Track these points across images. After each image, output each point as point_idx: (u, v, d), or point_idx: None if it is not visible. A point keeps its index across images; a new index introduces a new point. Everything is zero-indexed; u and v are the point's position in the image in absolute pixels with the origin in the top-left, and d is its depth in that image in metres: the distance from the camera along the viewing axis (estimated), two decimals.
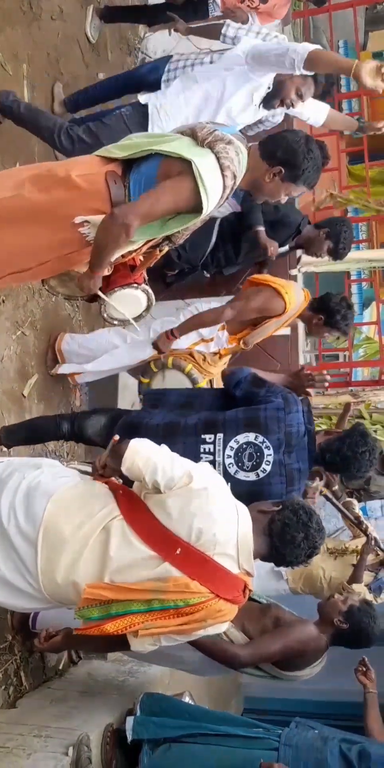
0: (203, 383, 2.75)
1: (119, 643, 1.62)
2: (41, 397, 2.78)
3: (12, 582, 1.58)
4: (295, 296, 2.67)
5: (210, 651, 2.05)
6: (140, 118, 2.47)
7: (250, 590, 1.60)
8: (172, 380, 2.68)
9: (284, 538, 1.56)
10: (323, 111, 2.98)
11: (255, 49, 2.43)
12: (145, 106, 2.48)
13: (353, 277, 5.03)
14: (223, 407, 2.24)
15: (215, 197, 1.64)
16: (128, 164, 1.72)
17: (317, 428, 4.25)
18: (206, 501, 1.50)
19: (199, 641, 1.92)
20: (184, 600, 1.47)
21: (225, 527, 1.51)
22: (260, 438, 2.08)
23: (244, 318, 2.70)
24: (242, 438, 2.09)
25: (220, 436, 2.11)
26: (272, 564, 3.15)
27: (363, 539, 3.31)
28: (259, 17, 2.92)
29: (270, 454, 2.08)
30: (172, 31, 3.15)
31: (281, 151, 1.78)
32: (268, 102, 2.61)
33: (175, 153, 1.62)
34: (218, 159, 1.62)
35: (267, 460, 2.08)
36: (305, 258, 3.72)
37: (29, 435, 2.41)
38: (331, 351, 5.02)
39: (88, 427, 2.28)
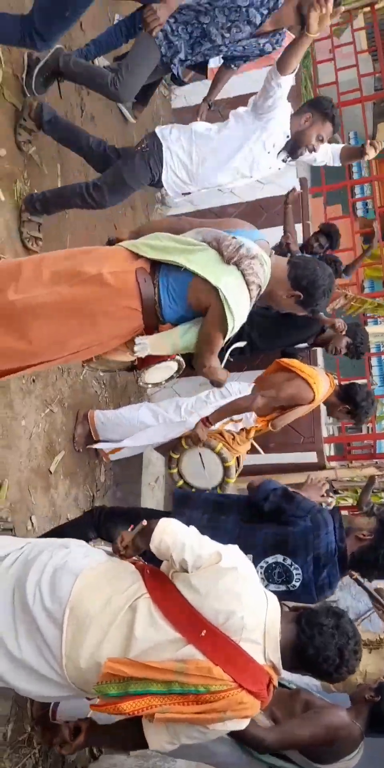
0: (232, 461, 2.82)
1: (138, 738, 1.54)
2: (67, 473, 2.82)
3: (34, 667, 1.54)
4: (323, 385, 2.81)
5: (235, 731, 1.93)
6: (158, 155, 2.58)
7: (274, 686, 1.52)
8: (203, 458, 2.75)
9: (312, 621, 1.52)
10: (336, 150, 3.04)
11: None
12: (160, 146, 2.56)
13: (373, 351, 5.09)
14: (250, 517, 2.27)
15: (243, 315, 1.80)
16: (157, 262, 1.82)
17: (343, 501, 4.18)
18: (235, 581, 1.47)
19: None
20: (206, 686, 1.41)
21: (253, 611, 1.47)
22: (288, 560, 2.12)
23: (273, 403, 2.80)
24: (271, 559, 2.14)
25: (249, 557, 2.14)
26: None
27: None
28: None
29: (299, 574, 2.12)
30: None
31: (306, 282, 1.94)
32: (294, 153, 2.67)
33: (204, 276, 1.75)
34: (244, 275, 1.76)
35: (296, 578, 2.12)
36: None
37: None
38: (351, 424, 5.00)
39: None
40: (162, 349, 1.89)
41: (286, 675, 2.30)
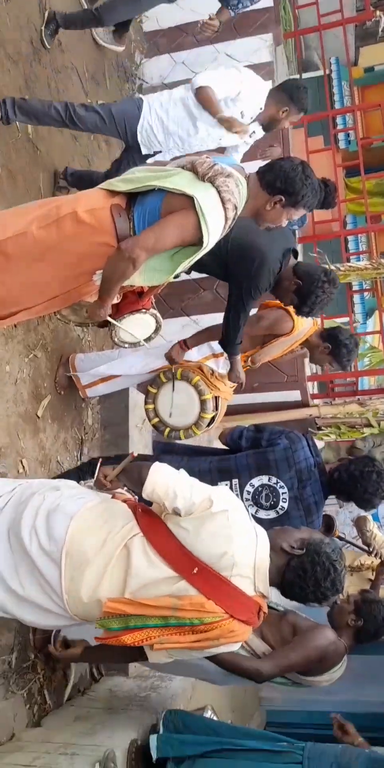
0: (209, 396, 2.78)
1: (137, 654, 1.65)
2: (54, 417, 2.83)
3: (37, 602, 1.61)
4: (304, 320, 2.73)
5: (232, 667, 2.06)
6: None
7: (264, 613, 1.62)
8: (179, 391, 2.72)
9: (293, 583, 1.58)
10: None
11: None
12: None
13: (355, 288, 5.09)
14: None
15: (217, 230, 1.71)
16: (132, 197, 1.76)
17: (326, 437, 4.32)
18: (226, 523, 1.52)
19: (220, 658, 1.94)
20: (200, 618, 1.50)
21: (243, 550, 1.53)
22: (274, 479, 2.22)
23: (253, 333, 2.76)
24: (256, 481, 2.22)
25: (235, 481, 2.26)
26: None
27: None
28: None
29: (285, 493, 2.23)
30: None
31: (280, 181, 1.85)
32: (267, 130, 2.86)
33: (178, 189, 1.67)
34: (219, 192, 1.67)
35: (284, 498, 2.23)
36: None
37: None
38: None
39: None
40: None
41: (274, 598, 2.46)
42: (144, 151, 2.79)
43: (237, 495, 2.19)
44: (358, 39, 7.05)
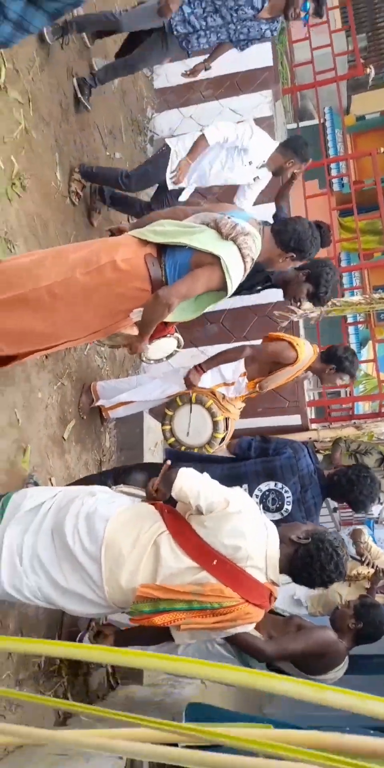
0: (221, 418, 3.06)
1: (163, 636, 1.89)
2: (78, 440, 3.09)
3: (79, 593, 1.85)
4: (306, 350, 3.05)
5: (240, 643, 2.28)
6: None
7: (274, 597, 1.87)
8: (195, 414, 3.00)
9: (301, 569, 1.84)
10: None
11: None
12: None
13: (349, 321, 5.42)
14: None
15: (238, 280, 2.04)
16: (162, 246, 2.05)
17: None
18: (241, 522, 1.78)
19: (233, 636, 2.16)
20: (219, 602, 1.74)
21: (255, 544, 1.78)
22: (279, 485, 2.52)
23: (260, 359, 3.07)
24: (264, 486, 2.51)
25: (245, 486, 2.55)
26: (293, 593, 3.49)
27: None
28: None
29: (289, 497, 2.53)
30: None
31: (294, 242, 2.22)
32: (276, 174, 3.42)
33: (206, 249, 1.98)
34: (240, 250, 2.00)
35: (288, 501, 2.53)
36: (306, 305, 4.11)
37: None
38: (333, 388, 5.35)
39: (131, 482, 2.57)
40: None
41: (280, 605, 2.69)
42: (170, 187, 3.29)
43: None
44: (349, 88, 7.57)
